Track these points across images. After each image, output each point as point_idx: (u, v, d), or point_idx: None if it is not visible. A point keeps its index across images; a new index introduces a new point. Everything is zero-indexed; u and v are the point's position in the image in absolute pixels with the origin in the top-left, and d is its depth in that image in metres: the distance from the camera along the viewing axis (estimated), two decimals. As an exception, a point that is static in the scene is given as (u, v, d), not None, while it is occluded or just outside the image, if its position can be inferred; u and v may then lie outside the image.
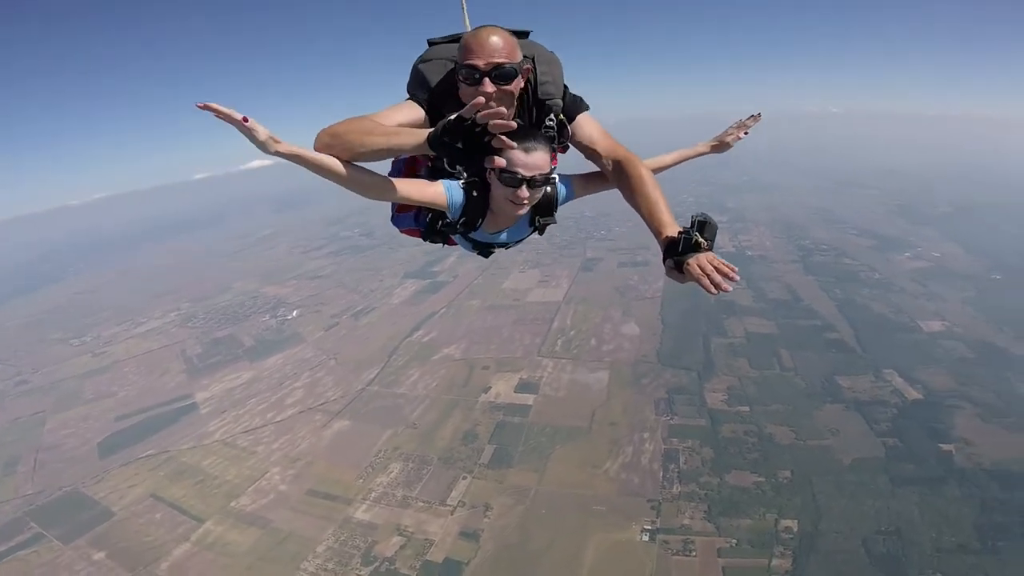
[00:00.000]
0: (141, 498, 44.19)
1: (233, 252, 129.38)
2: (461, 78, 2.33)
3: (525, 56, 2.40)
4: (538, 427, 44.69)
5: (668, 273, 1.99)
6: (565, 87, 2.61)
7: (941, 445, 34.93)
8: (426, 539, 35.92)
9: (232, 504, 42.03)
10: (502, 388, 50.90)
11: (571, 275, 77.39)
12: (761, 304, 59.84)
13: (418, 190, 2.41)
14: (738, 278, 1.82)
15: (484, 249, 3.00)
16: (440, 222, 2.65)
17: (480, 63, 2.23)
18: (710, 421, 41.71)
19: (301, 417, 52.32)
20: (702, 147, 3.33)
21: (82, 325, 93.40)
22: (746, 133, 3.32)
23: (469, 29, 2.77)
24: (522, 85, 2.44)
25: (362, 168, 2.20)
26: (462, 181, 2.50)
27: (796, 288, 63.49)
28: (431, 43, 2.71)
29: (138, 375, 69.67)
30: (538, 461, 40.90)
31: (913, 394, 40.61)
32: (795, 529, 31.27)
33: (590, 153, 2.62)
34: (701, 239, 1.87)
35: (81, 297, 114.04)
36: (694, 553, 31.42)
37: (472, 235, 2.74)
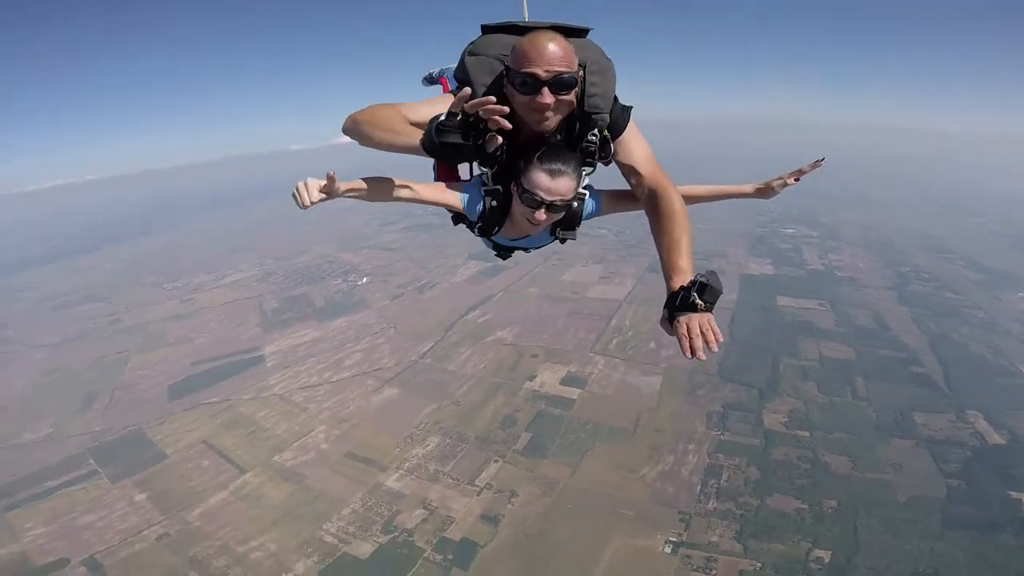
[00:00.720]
0: (194, 444, 47.24)
1: (316, 219, 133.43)
2: (516, 85, 2.18)
3: (580, 64, 2.22)
4: (579, 422, 43.86)
5: (661, 321, 2.01)
6: (615, 98, 2.41)
7: (1011, 492, 32.03)
8: (448, 516, 36.14)
9: (275, 458, 44.11)
10: (548, 378, 50.39)
11: (637, 274, 74.83)
12: (843, 329, 55.39)
13: (436, 194, 2.46)
14: (716, 349, 1.87)
15: (503, 251, 3.00)
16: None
17: (539, 71, 2.10)
18: (763, 441, 39.21)
19: (355, 380, 54.34)
20: (747, 188, 3.14)
21: (176, 271, 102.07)
22: (797, 180, 3.06)
23: (527, 17, 2.77)
24: (578, 94, 2.28)
25: (387, 181, 2.23)
26: (484, 188, 2.45)
27: (886, 316, 58.22)
28: (484, 30, 2.56)
29: (218, 323, 75.07)
30: (573, 456, 40.15)
31: (995, 438, 36.88)
32: (826, 560, 29.60)
33: (628, 174, 2.49)
34: (699, 301, 1.88)
35: (180, 246, 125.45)
36: (714, 572, 30.06)
37: (493, 236, 2.73)
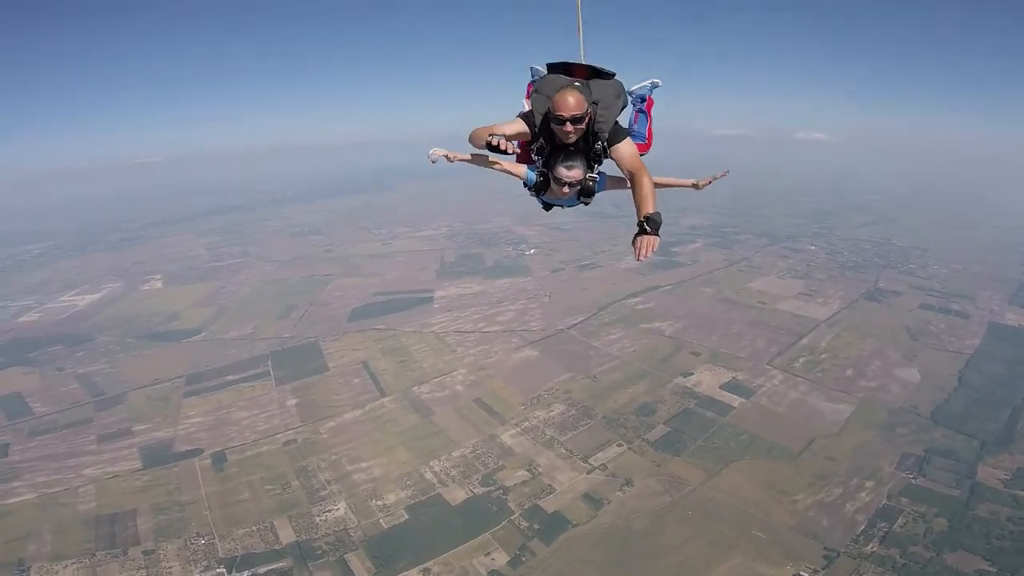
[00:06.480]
0: (354, 362, 51.30)
1: (504, 194, 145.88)
2: (552, 120, 3.86)
3: (594, 102, 3.91)
4: (734, 430, 37.65)
5: (632, 240, 3.22)
6: (616, 122, 4.06)
7: None
8: (549, 485, 33.57)
9: (414, 388, 45.81)
10: (707, 379, 44.12)
11: (847, 298, 63.38)
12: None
13: (513, 168, 4.47)
14: (641, 258, 3.15)
15: (547, 206, 4.77)
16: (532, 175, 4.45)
17: (564, 115, 3.71)
18: (968, 495, 31.90)
19: (502, 335, 54.59)
20: (687, 181, 4.83)
21: (384, 221, 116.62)
22: (709, 183, 4.84)
23: (583, 57, 4.53)
24: (588, 119, 3.89)
25: (485, 156, 4.21)
26: (537, 168, 4.30)
27: None
28: (549, 68, 4.53)
29: (404, 265, 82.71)
30: (714, 462, 34.71)
31: None
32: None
33: (619, 164, 3.96)
34: (647, 227, 3.14)
35: (396, 202, 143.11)
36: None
37: (541, 197, 4.57)
